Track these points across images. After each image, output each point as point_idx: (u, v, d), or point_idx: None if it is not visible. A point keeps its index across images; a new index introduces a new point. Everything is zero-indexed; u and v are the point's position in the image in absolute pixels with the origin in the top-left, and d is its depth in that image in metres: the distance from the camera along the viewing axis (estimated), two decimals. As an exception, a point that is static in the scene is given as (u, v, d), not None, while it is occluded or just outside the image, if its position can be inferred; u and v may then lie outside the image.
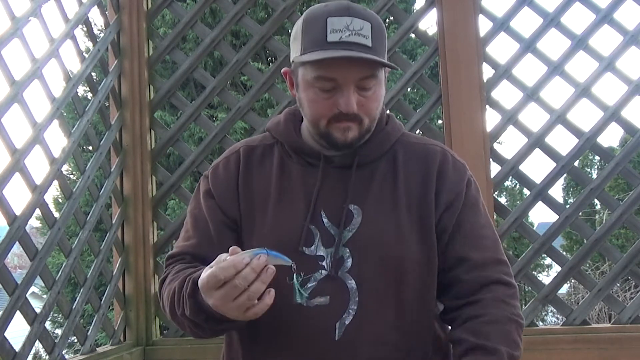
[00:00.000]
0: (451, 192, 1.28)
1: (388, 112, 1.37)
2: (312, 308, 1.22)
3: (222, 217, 1.30)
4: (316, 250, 1.23)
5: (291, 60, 1.27)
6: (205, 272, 1.09)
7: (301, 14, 1.27)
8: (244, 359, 1.31)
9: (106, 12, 2.72)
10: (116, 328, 2.58)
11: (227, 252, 1.16)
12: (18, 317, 1.95)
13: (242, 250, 1.11)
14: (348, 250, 1.23)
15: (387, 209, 1.26)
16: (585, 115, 2.76)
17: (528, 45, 2.60)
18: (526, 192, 2.76)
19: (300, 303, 1.16)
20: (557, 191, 13.76)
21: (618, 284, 7.29)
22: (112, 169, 2.62)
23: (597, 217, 9.46)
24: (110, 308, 2.70)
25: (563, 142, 2.77)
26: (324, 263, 1.24)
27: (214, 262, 1.09)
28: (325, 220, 1.25)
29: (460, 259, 1.26)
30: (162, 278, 1.30)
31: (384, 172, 1.29)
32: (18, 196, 2.06)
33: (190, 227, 1.33)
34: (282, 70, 1.34)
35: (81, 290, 2.35)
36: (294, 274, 1.11)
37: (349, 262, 1.23)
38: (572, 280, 6.44)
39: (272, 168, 1.31)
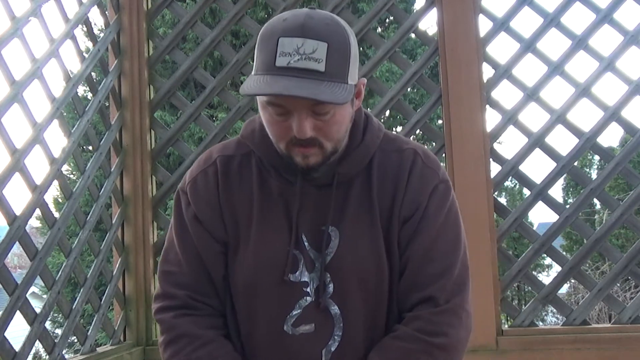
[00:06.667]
0: (412, 205, 1.24)
1: (365, 111, 1.29)
2: (297, 336, 1.23)
3: (213, 244, 1.27)
4: (300, 276, 1.23)
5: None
6: None
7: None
8: None
9: (106, 12, 2.72)
10: (116, 328, 2.57)
11: (223, 282, 1.25)
12: (18, 317, 1.95)
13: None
14: (329, 275, 1.22)
15: (363, 227, 1.23)
16: (585, 115, 2.76)
17: (528, 45, 2.60)
18: (526, 192, 2.76)
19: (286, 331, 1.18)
20: (557, 191, 13.73)
21: (618, 284, 7.29)
22: (112, 169, 2.62)
23: (597, 217, 9.46)
24: (110, 308, 2.70)
25: (563, 142, 2.77)
26: (308, 289, 1.23)
27: None
28: (306, 244, 1.24)
29: (401, 272, 1.24)
30: (164, 340, 1.25)
31: (360, 188, 1.25)
32: (18, 196, 2.07)
33: (180, 252, 1.28)
34: None
35: (81, 290, 2.35)
36: None
37: (330, 287, 1.23)
38: (572, 280, 6.42)
39: (252, 184, 1.26)
